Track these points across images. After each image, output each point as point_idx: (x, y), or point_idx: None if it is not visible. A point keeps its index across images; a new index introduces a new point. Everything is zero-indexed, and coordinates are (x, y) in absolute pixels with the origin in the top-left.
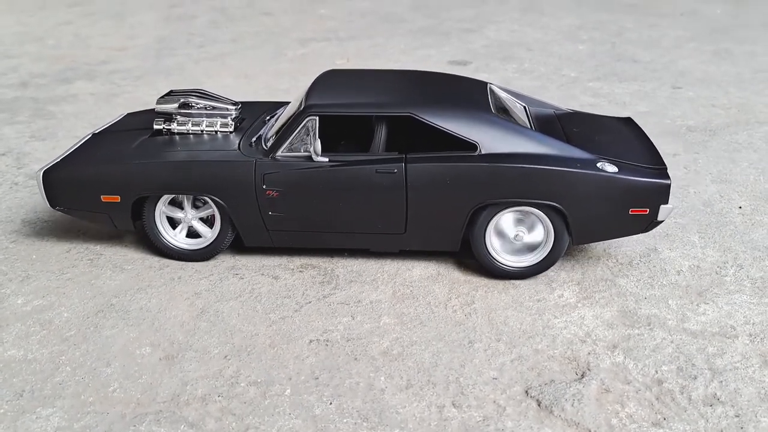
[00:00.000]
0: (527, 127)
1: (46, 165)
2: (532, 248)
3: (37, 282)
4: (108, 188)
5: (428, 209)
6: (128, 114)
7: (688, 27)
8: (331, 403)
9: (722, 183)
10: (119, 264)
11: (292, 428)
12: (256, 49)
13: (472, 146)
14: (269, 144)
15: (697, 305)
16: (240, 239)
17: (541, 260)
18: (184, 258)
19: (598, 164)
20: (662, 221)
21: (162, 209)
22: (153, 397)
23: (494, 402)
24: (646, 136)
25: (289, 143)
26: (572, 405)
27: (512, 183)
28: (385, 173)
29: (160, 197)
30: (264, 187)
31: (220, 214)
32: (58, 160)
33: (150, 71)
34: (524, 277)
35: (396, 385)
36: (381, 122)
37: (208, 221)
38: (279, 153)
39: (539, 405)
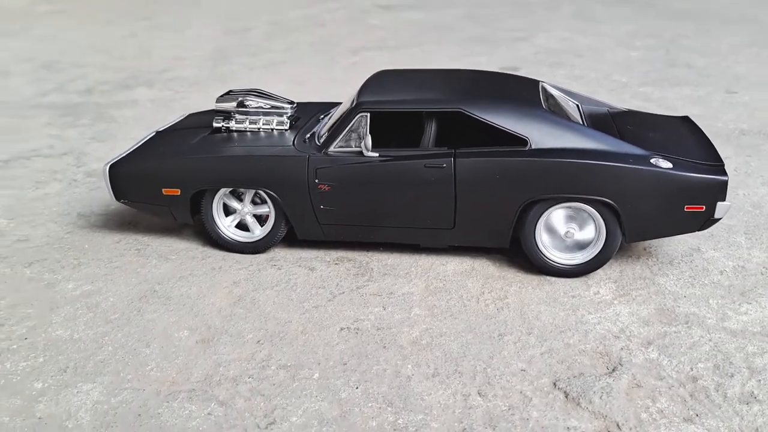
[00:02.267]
0: (579, 123)
1: (112, 159)
2: (583, 246)
3: (88, 269)
4: (168, 182)
5: (477, 204)
6: (190, 114)
7: (746, 33)
8: (357, 388)
9: None
10: (164, 254)
11: (318, 410)
12: (308, 57)
13: (522, 141)
14: (322, 140)
15: (739, 305)
16: (292, 233)
17: (593, 258)
18: (235, 249)
19: (652, 160)
20: (719, 219)
21: (219, 200)
22: (187, 377)
23: (521, 392)
24: (704, 133)
25: (341, 139)
26: (600, 398)
27: (563, 178)
28: (434, 168)
29: (218, 191)
30: (316, 181)
31: (275, 208)
32: (123, 155)
33: (206, 78)
34: (575, 275)
35: (423, 373)
36: (431, 118)
37: (262, 219)
38: (331, 148)
39: (566, 397)
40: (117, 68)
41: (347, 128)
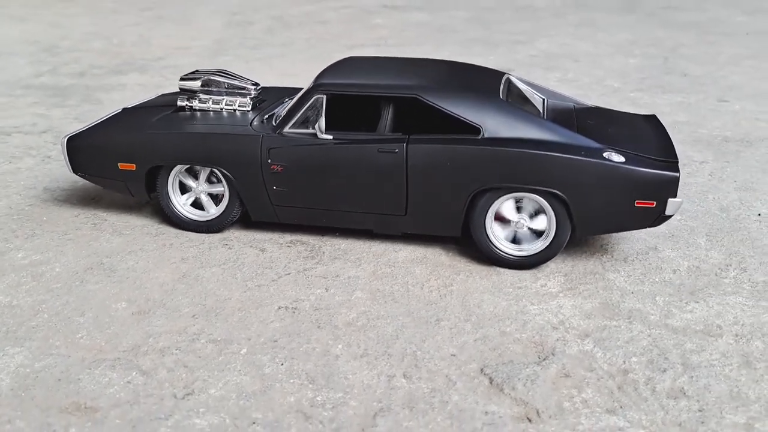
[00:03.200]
0: (535, 115)
1: (71, 132)
2: (533, 237)
3: (41, 240)
4: (124, 156)
5: (428, 191)
6: (162, 94)
7: (750, 46)
8: (282, 364)
9: (746, 191)
10: (119, 229)
11: (239, 383)
12: (304, 52)
13: (475, 129)
14: (278, 120)
15: (686, 303)
16: (248, 215)
17: (542, 250)
18: (190, 228)
19: (605, 153)
20: (671, 216)
21: (175, 177)
22: (115, 346)
23: (446, 376)
24: (666, 132)
25: (297, 120)
26: (524, 385)
27: (513, 168)
28: (387, 153)
29: (174, 167)
30: (269, 161)
31: (229, 188)
32: (83, 128)
33: (200, 67)
34: (524, 267)
35: (352, 353)
36: (388, 104)
37: (218, 199)
38: (286, 129)
39: (491, 382)
40: (113, 54)
41: (303, 109)
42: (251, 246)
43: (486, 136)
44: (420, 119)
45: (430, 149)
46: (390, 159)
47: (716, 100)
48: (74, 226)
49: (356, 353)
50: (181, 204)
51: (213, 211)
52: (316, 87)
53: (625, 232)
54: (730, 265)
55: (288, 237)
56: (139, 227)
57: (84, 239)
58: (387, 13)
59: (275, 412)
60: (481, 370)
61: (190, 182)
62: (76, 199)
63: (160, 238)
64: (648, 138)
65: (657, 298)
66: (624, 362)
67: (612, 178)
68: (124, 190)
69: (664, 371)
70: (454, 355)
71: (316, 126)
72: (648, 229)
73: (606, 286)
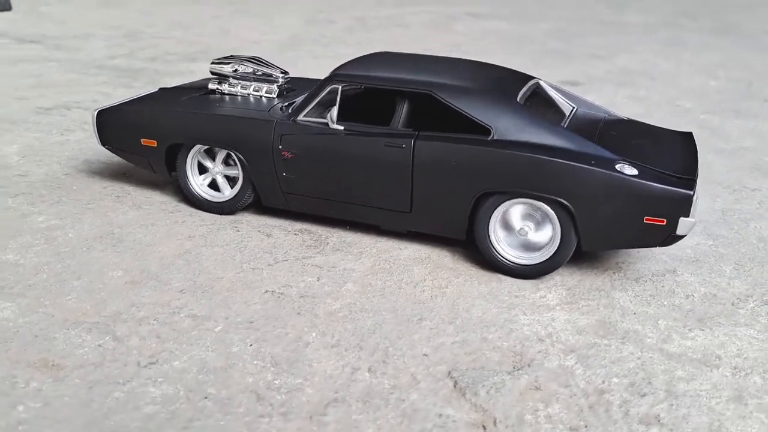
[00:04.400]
0: (550, 121)
1: (102, 106)
2: (538, 247)
3: (64, 207)
4: (147, 132)
5: (433, 190)
6: (207, 78)
7: None
8: (251, 345)
9: None
10: (139, 203)
11: (203, 359)
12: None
13: (485, 130)
14: (293, 108)
15: (690, 330)
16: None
17: (545, 260)
18: (204, 207)
19: (617, 165)
20: (683, 236)
21: (194, 157)
22: (99, 311)
23: (412, 375)
24: (695, 150)
25: (311, 108)
26: (488, 392)
27: (519, 172)
28: (394, 147)
29: (193, 146)
30: (280, 147)
31: (243, 172)
32: (115, 103)
33: (269, 60)
34: (526, 277)
35: (323, 342)
36: (402, 98)
37: (234, 182)
38: (300, 117)
39: (455, 386)
40: (190, 43)
41: (318, 98)
42: (259, 230)
43: (495, 137)
44: (433, 116)
45: (437, 146)
46: (397, 154)
47: None
48: (98, 197)
49: (328, 343)
50: (198, 183)
51: (227, 193)
52: (333, 77)
53: (645, 251)
54: (751, 297)
55: (298, 225)
56: (158, 203)
57: (103, 210)
58: (469, 20)
59: (230, 390)
60: (449, 372)
61: (207, 163)
62: (109, 173)
63: (174, 215)
64: (673, 154)
65: (660, 322)
66: (603, 382)
67: (621, 191)
68: (147, 166)
69: (644, 396)
70: (426, 355)
71: (328, 115)
72: (670, 250)
73: (608, 304)
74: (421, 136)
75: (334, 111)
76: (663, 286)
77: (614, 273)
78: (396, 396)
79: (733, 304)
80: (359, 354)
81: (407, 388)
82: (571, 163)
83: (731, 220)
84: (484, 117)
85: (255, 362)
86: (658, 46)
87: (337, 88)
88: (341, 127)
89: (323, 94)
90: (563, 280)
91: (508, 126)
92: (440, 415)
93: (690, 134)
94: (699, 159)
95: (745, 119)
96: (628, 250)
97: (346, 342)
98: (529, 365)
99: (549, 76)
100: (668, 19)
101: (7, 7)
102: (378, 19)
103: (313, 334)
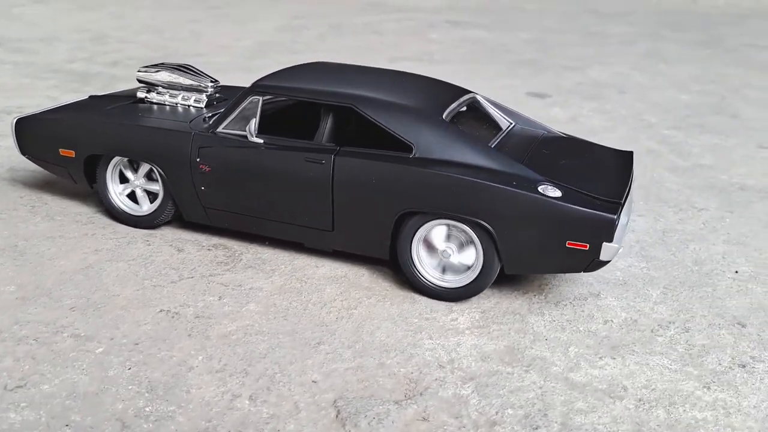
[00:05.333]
0: (479, 140)
1: (23, 114)
2: (461, 269)
3: None
4: (65, 142)
5: (354, 208)
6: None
7: None
8: (129, 369)
9: (735, 245)
10: (53, 214)
11: (75, 383)
12: (344, 60)
13: (407, 147)
14: (213, 119)
15: (600, 358)
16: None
17: (468, 284)
18: (121, 219)
19: (540, 187)
20: (607, 261)
21: (115, 167)
22: None
23: (294, 403)
24: (629, 172)
25: (231, 120)
26: (369, 423)
27: (438, 192)
28: (314, 162)
29: (112, 158)
30: (198, 160)
31: (163, 186)
32: (37, 111)
33: (233, 67)
34: (449, 299)
35: (208, 367)
36: (326, 112)
37: (156, 197)
38: (220, 128)
39: (337, 416)
40: (157, 47)
41: (238, 110)
42: (171, 245)
43: (417, 155)
44: (355, 131)
45: (357, 163)
46: (317, 170)
47: (756, 146)
48: (13, 207)
49: (213, 368)
50: (117, 194)
51: (145, 207)
52: (253, 88)
53: (572, 273)
54: (673, 323)
55: (214, 240)
56: (73, 215)
57: (15, 220)
58: (447, 28)
59: (95, 418)
60: (334, 401)
61: (129, 173)
62: (33, 182)
63: (86, 227)
64: (605, 175)
65: (570, 349)
66: (497, 413)
67: (542, 213)
68: (67, 177)
69: (536, 429)
70: (315, 382)
71: (247, 128)
72: (599, 273)
73: (521, 329)
74: (342, 152)
75: (253, 123)
76: (583, 311)
77: (534, 296)
78: (272, 426)
79: (652, 331)
80: (243, 380)
81: (286, 417)
82: (491, 183)
83: (670, 241)
84: (406, 133)
85: (130, 387)
86: (635, 57)
87: (258, 100)
88: (260, 140)
89: (243, 105)
90: (479, 302)
91: (430, 143)
92: None
93: (630, 153)
94: (633, 180)
95: (710, 135)
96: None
97: (233, 367)
98: (421, 394)
99: (518, 87)
100: (652, 30)
101: None
102: (354, 26)
103: (200, 358)
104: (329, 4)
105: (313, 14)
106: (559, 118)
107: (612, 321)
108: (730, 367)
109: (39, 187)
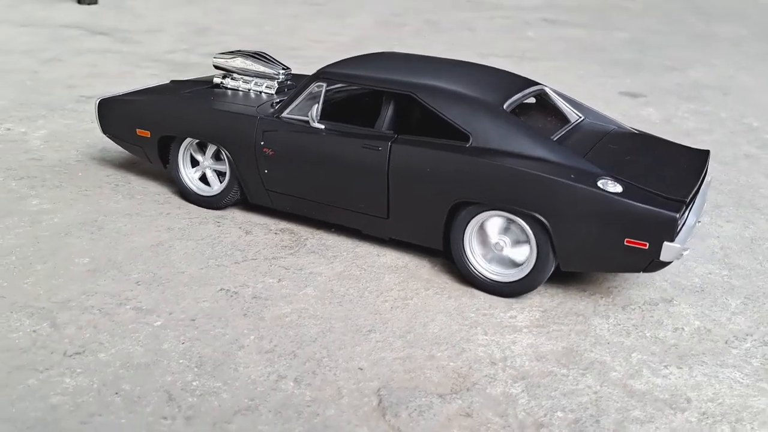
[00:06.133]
0: (540, 131)
1: (106, 95)
2: (515, 263)
3: (62, 192)
4: (142, 122)
5: (409, 196)
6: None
7: None
8: (183, 343)
9: None
10: (134, 192)
11: (129, 353)
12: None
13: (464, 136)
14: (279, 105)
15: (665, 366)
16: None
17: (521, 279)
18: (194, 201)
19: (600, 181)
20: (668, 262)
21: (186, 150)
22: (50, 296)
23: (338, 389)
24: (702, 170)
25: (295, 105)
26: (409, 414)
27: (493, 182)
28: (370, 149)
29: (185, 139)
30: (262, 143)
31: (229, 167)
32: (119, 93)
33: (325, 61)
34: (501, 294)
35: (258, 347)
36: (387, 99)
37: (224, 176)
38: (284, 113)
39: (378, 404)
40: (255, 39)
41: (302, 95)
42: (240, 227)
43: (474, 144)
44: (415, 119)
45: (413, 151)
46: (373, 156)
47: None
48: (98, 184)
49: (263, 348)
50: (188, 176)
51: (216, 187)
52: (318, 74)
53: (645, 277)
54: (751, 335)
55: (282, 225)
56: (153, 194)
57: (97, 197)
58: (543, 26)
59: (144, 388)
60: (378, 390)
61: (199, 156)
62: (119, 162)
63: (163, 207)
64: (674, 173)
65: (633, 355)
66: (545, 415)
67: (599, 208)
68: (144, 156)
69: None
70: (361, 369)
71: (310, 113)
72: (675, 278)
73: (582, 331)
74: (399, 140)
75: (315, 109)
76: (652, 316)
77: (601, 297)
78: (312, 409)
79: (726, 342)
80: (291, 362)
81: (328, 401)
82: (547, 175)
83: (758, 250)
84: (464, 122)
85: (180, 361)
86: (743, 58)
87: (322, 86)
88: (322, 126)
89: (308, 91)
90: (542, 300)
91: (487, 133)
92: None
93: (706, 152)
94: (705, 179)
95: None
96: (625, 274)
97: (282, 348)
98: (468, 389)
99: (611, 85)
100: (762, 30)
101: (93, 1)
102: (450, 22)
103: (251, 338)
104: (429, 0)
105: (411, 10)
106: (651, 119)
107: (683, 329)
108: None
109: (125, 168)
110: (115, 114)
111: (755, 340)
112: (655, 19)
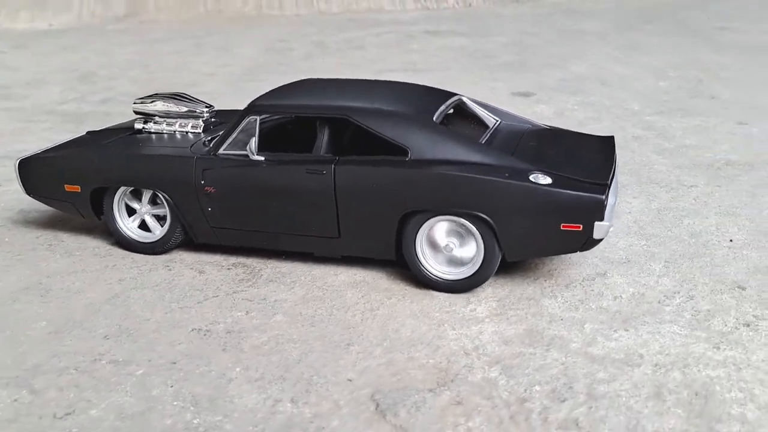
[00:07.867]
0: (470, 137)
1: (25, 155)
2: (464, 261)
3: None
4: (69, 178)
5: (358, 214)
6: (135, 119)
7: None
8: (171, 386)
9: (727, 216)
10: (71, 250)
11: (121, 405)
12: (332, 77)
13: (403, 151)
14: (213, 142)
15: (614, 331)
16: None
17: (472, 274)
18: (136, 249)
19: (531, 176)
20: (600, 239)
21: (120, 199)
22: (19, 364)
23: (334, 401)
24: (612, 155)
25: (231, 141)
26: (408, 411)
27: (437, 190)
28: (315, 174)
29: (118, 188)
30: (202, 182)
31: (170, 210)
32: (38, 151)
33: (226, 93)
34: (456, 291)
35: (247, 377)
36: (322, 125)
37: (163, 220)
38: (221, 150)
39: (376, 408)
40: (146, 81)
41: (237, 131)
42: (192, 268)
43: (413, 157)
44: (352, 140)
45: (356, 170)
46: (319, 180)
47: (736, 123)
48: (31, 247)
49: (252, 377)
50: (126, 225)
51: (158, 232)
52: (249, 109)
53: (577, 256)
54: (678, 293)
55: (232, 259)
56: (91, 248)
57: (34, 260)
58: (426, 38)
59: None
60: (372, 395)
61: (135, 204)
62: (45, 221)
63: (106, 260)
64: (589, 160)
65: (586, 326)
66: (525, 390)
67: (535, 200)
68: (75, 212)
69: (564, 401)
70: (350, 380)
71: (248, 147)
72: (603, 253)
73: (537, 312)
74: (341, 161)
75: (253, 142)
76: (592, 290)
77: (545, 281)
78: (316, 424)
79: (659, 302)
80: (282, 385)
81: (329, 415)
82: (486, 177)
83: (666, 219)
84: (401, 138)
85: (175, 403)
86: (612, 50)
87: (256, 119)
88: (261, 158)
89: (242, 126)
90: (494, 291)
91: (424, 145)
92: None
93: (611, 138)
94: (617, 162)
95: (691, 117)
96: (560, 256)
97: (270, 375)
98: (452, 380)
99: (502, 88)
100: (626, 23)
101: None
102: (336, 43)
103: (237, 369)
104: (310, 24)
105: (295, 35)
106: (546, 114)
107: (621, 296)
108: (735, 327)
109: (53, 226)
110: (38, 173)
111: (682, 296)
112: (528, 22)
